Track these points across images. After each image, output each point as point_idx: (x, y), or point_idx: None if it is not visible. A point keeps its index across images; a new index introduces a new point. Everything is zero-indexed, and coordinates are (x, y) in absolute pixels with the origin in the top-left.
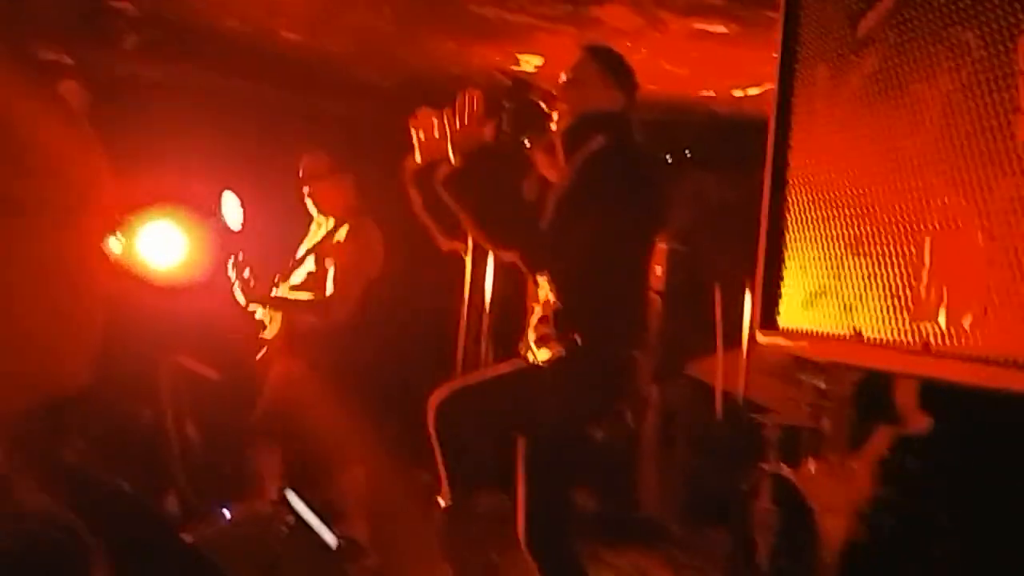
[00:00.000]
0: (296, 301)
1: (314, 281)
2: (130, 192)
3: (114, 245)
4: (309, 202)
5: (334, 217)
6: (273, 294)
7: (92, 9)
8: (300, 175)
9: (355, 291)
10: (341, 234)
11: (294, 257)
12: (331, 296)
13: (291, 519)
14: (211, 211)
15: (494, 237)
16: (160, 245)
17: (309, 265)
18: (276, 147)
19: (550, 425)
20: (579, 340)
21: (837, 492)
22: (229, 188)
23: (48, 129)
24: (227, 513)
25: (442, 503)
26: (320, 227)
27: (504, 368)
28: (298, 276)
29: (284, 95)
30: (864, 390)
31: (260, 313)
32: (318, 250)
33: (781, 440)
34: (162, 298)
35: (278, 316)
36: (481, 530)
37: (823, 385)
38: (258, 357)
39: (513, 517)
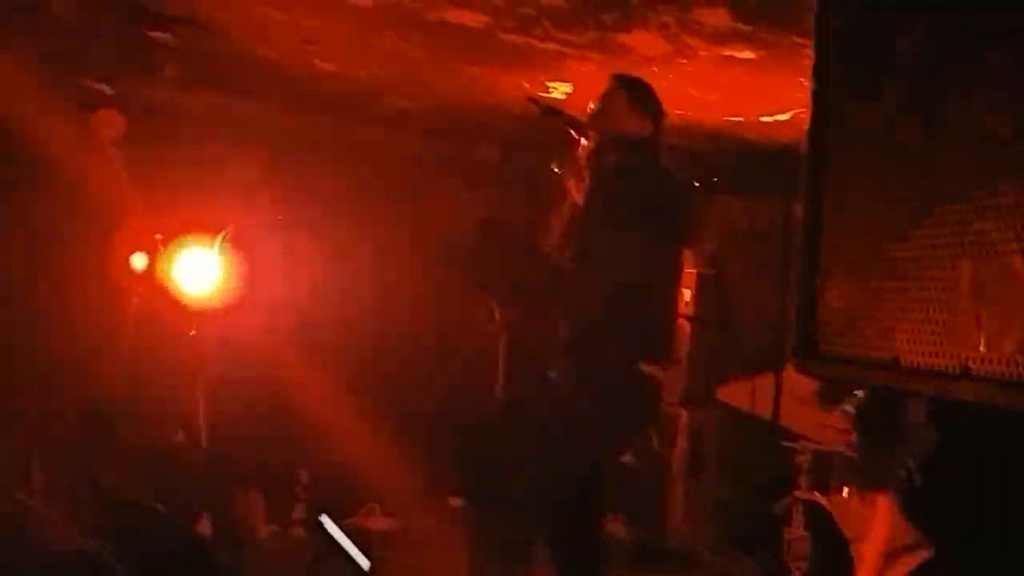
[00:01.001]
0: None
1: None
2: (167, 217)
3: (137, 261)
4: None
5: None
6: None
7: (133, 40)
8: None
9: None
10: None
11: None
12: None
13: (324, 542)
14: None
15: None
16: (195, 270)
17: None
18: (310, 173)
19: (575, 450)
20: (600, 363)
21: (869, 520)
22: (263, 214)
23: (84, 161)
24: (261, 535)
25: (471, 527)
26: None
27: (530, 396)
28: None
29: (318, 122)
30: (874, 411)
31: None
32: None
33: (813, 466)
34: (196, 322)
35: None
36: (510, 554)
37: (851, 410)
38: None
39: (542, 541)
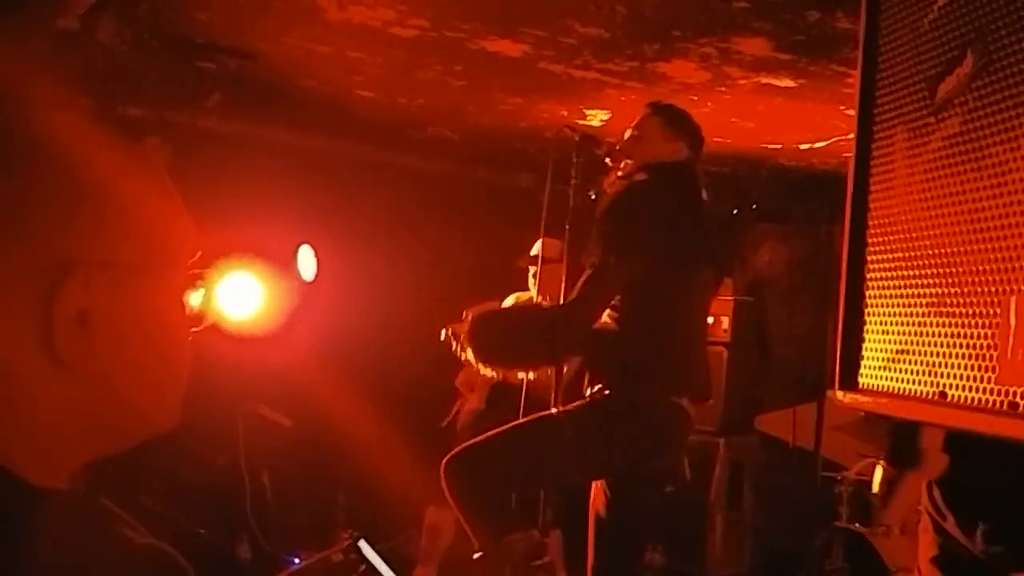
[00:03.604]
0: None
1: None
2: (209, 244)
3: (194, 299)
4: (531, 280)
5: (548, 297)
6: None
7: (179, 69)
8: (533, 254)
9: None
10: None
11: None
12: None
13: (362, 567)
14: (287, 263)
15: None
16: (237, 296)
17: None
18: (350, 200)
19: (578, 473)
20: (605, 386)
21: (911, 551)
22: (305, 241)
23: (138, 188)
24: (297, 560)
25: (476, 556)
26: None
27: (524, 420)
28: None
29: (359, 150)
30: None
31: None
32: None
33: (853, 497)
34: (238, 347)
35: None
36: (514, 571)
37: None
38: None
39: (544, 554)
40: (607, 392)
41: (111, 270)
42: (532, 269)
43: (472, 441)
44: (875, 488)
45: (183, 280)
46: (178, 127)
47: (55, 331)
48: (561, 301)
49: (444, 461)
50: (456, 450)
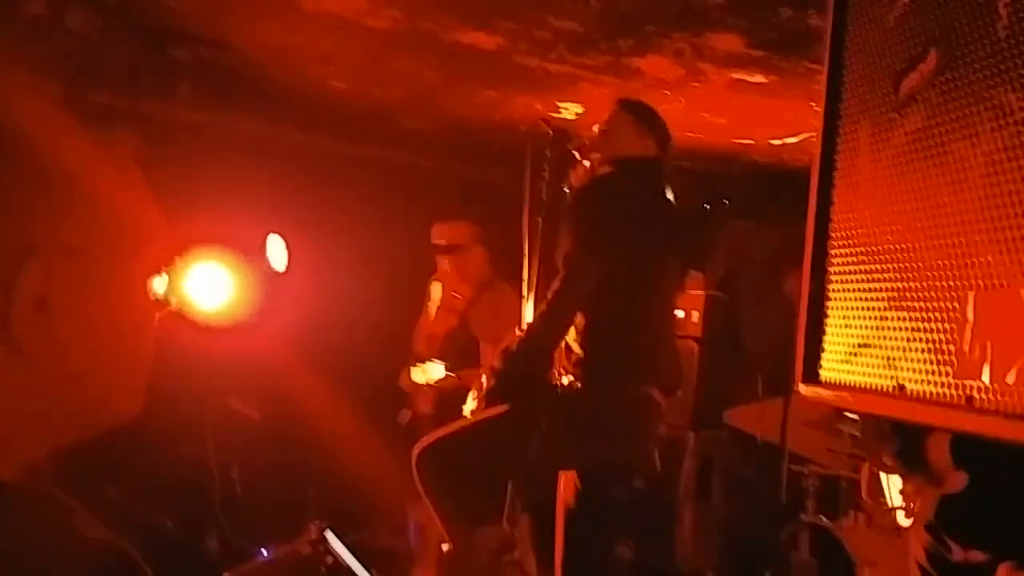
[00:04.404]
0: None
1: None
2: (179, 234)
3: (158, 284)
4: (447, 267)
5: (471, 286)
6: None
7: (149, 57)
8: (437, 242)
9: None
10: (483, 304)
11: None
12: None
13: (330, 559)
14: (257, 253)
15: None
16: (206, 286)
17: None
18: (322, 192)
19: (549, 464)
20: (576, 377)
21: (877, 545)
22: (275, 232)
23: (101, 175)
24: (265, 553)
25: (444, 547)
26: (438, 293)
27: (495, 411)
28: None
29: (331, 141)
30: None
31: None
32: (464, 319)
33: (820, 491)
34: (207, 338)
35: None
36: (484, 565)
37: (859, 435)
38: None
39: (513, 547)
40: (578, 383)
41: (72, 256)
42: (445, 258)
43: (443, 431)
44: (892, 501)
45: (147, 267)
46: (149, 116)
47: (13, 317)
48: (523, 293)
49: (415, 452)
50: (427, 440)
